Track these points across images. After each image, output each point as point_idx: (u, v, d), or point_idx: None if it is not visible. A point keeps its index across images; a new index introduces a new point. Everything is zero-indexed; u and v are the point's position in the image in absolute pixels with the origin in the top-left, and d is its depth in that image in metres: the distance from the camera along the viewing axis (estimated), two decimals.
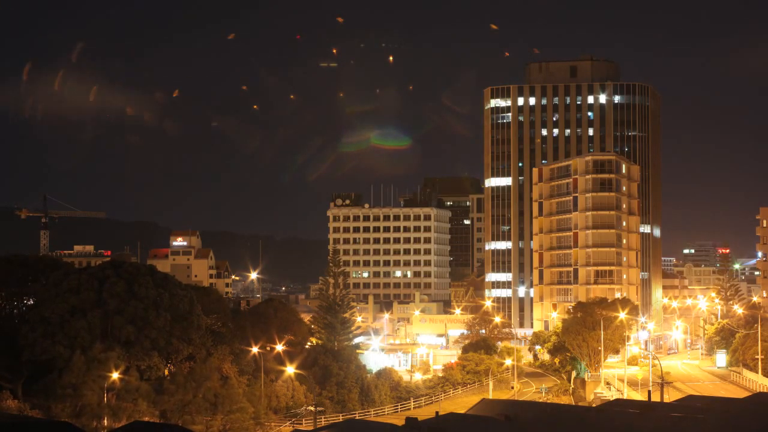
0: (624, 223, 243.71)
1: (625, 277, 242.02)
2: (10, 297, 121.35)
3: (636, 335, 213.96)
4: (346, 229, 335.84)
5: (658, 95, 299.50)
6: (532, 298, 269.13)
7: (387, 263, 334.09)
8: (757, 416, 65.53)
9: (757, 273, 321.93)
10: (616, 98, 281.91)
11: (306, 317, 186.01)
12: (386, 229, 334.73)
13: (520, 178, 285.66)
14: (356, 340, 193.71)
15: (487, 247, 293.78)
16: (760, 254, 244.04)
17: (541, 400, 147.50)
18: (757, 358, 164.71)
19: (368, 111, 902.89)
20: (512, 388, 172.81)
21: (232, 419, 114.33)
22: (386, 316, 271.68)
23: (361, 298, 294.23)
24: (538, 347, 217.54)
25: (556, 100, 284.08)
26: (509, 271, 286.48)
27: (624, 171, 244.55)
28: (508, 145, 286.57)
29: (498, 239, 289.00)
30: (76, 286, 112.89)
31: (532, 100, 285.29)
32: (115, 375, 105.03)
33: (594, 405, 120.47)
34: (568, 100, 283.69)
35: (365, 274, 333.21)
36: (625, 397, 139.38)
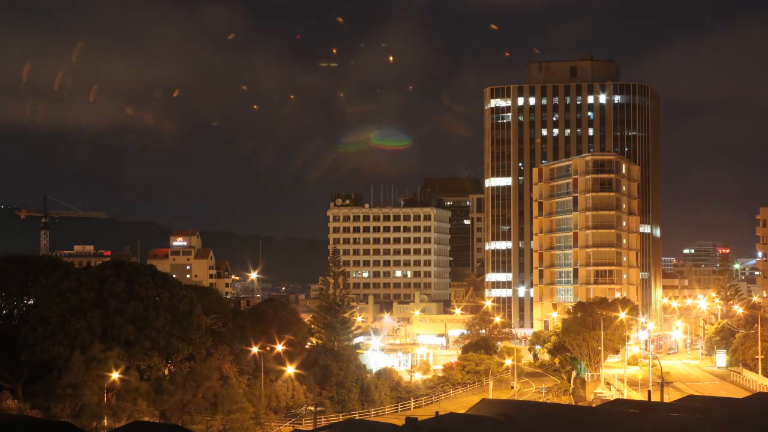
0: (624, 223, 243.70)
1: (625, 277, 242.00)
2: (10, 297, 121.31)
3: (636, 335, 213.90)
4: (346, 229, 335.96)
5: (658, 95, 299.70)
6: (532, 298, 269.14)
7: (387, 263, 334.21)
8: (757, 416, 65.51)
9: (757, 273, 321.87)
10: (616, 98, 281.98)
11: (306, 317, 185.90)
12: (386, 229, 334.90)
13: (520, 178, 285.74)
14: (356, 340, 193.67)
15: (487, 247, 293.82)
16: (760, 254, 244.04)
17: (541, 400, 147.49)
18: (757, 358, 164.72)
19: (368, 111, 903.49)
20: (512, 388, 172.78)
21: (232, 419, 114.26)
22: (386, 316, 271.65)
23: (361, 298, 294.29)
24: (538, 347, 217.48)
25: (556, 100, 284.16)
26: (509, 271, 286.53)
27: (624, 171, 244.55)
28: (508, 145, 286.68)
29: (498, 239, 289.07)
30: (76, 286, 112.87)
31: (532, 100, 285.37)
32: (115, 375, 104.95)
33: (594, 405, 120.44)
34: (568, 100, 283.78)
35: (365, 274, 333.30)
36: (625, 397, 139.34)
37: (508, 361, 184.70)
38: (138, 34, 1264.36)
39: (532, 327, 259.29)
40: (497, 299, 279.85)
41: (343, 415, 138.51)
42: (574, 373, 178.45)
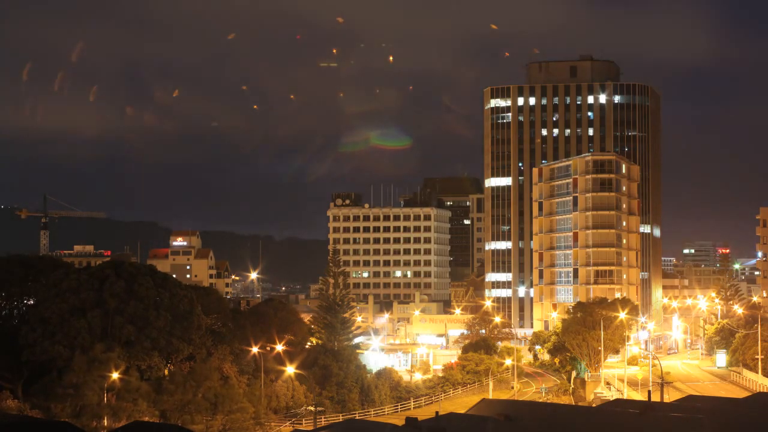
0: (624, 223, 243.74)
1: (625, 277, 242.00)
2: (10, 297, 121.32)
3: (636, 335, 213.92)
4: (346, 229, 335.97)
5: (658, 95, 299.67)
6: (532, 298, 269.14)
7: (387, 263, 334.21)
8: (757, 416, 65.53)
9: (757, 273, 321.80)
10: (616, 98, 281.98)
11: (306, 317, 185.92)
12: (386, 229, 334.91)
13: (520, 178, 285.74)
14: (356, 340, 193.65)
15: (487, 247, 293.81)
16: (760, 254, 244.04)
17: (541, 400, 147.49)
18: (757, 358, 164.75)
19: (368, 111, 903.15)
20: (512, 388, 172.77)
21: (232, 419, 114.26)
22: (386, 316, 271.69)
23: (361, 298, 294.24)
24: (538, 347, 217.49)
25: (556, 100, 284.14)
26: (509, 271, 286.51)
27: (624, 171, 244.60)
28: (508, 145, 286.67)
29: (498, 239, 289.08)
30: (76, 286, 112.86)
31: (532, 100, 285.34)
32: (115, 375, 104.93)
33: (594, 405, 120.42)
34: (568, 100, 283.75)
35: (365, 274, 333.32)
36: (625, 397, 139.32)
37: (508, 361, 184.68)
38: (138, 32, 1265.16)
39: (532, 327, 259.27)
40: (497, 299, 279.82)
41: (343, 415, 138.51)
42: (574, 373, 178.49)
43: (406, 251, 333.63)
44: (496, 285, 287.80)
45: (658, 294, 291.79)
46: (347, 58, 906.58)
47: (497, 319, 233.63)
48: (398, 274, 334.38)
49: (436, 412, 68.72)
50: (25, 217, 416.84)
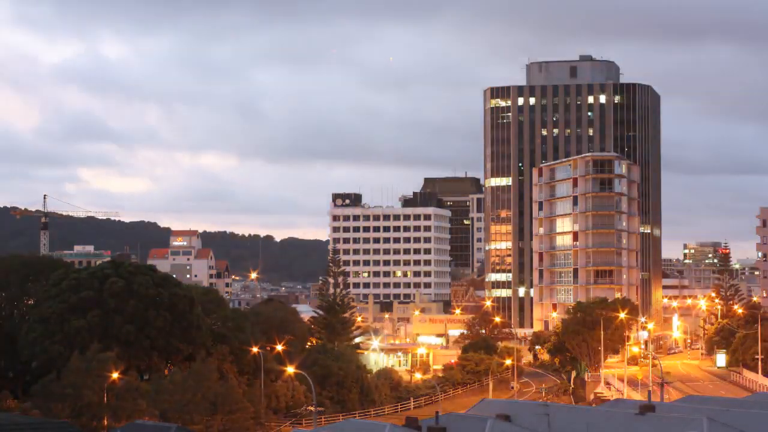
0: (624, 223, 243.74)
1: (625, 277, 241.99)
2: (10, 297, 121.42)
3: (636, 335, 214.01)
4: (346, 229, 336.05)
5: (658, 95, 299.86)
6: (532, 298, 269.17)
7: (387, 263, 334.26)
8: (756, 416, 65.55)
9: (757, 273, 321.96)
10: (616, 98, 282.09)
11: (306, 317, 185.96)
12: (386, 229, 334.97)
13: (520, 178, 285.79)
14: (356, 340, 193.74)
15: (487, 247, 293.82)
16: (760, 254, 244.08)
17: (541, 400, 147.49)
18: (757, 358, 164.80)
19: (369, 111, 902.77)
20: (512, 388, 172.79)
21: (232, 419, 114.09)
22: (386, 316, 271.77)
23: (361, 298, 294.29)
24: (538, 347, 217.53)
25: (556, 100, 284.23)
26: (509, 271, 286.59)
27: (624, 171, 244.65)
28: (508, 145, 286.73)
29: (498, 239, 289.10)
30: (76, 285, 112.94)
31: (532, 100, 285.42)
32: (114, 375, 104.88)
33: (594, 405, 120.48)
34: (568, 100, 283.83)
35: (365, 274, 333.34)
36: (625, 397, 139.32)
37: (508, 361, 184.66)
38: (137, 32, 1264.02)
39: (532, 327, 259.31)
40: (497, 299, 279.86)
41: (343, 415, 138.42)
42: (574, 373, 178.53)
43: (406, 251, 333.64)
44: (496, 285, 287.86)
45: (658, 294, 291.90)
46: (348, 57, 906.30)
47: (497, 319, 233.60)
48: (398, 274, 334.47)
49: (436, 412, 68.61)
50: (19, 217, 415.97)
